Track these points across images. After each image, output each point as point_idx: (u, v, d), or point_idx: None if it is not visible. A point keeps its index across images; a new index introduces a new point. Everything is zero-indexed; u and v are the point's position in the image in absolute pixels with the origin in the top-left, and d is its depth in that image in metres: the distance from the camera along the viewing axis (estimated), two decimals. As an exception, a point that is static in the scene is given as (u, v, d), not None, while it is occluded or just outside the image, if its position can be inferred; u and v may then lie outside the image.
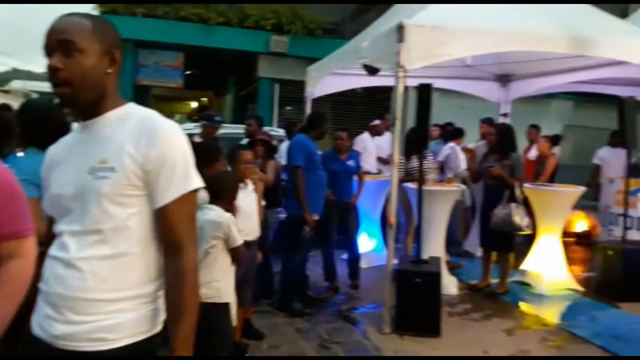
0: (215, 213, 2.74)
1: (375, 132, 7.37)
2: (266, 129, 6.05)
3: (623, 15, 7.33)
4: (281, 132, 6.80)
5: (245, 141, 4.98)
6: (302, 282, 4.74)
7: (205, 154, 2.96)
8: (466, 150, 6.71)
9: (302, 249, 4.55)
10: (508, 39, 4.23)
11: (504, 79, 7.51)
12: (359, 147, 7.14)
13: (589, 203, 6.97)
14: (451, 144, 6.60)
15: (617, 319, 4.49)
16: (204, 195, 2.67)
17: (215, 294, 2.68)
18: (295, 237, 4.44)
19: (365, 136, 7.39)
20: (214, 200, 2.79)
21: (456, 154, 6.40)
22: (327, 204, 4.68)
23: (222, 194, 2.82)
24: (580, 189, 5.36)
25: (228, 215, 2.77)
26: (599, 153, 7.31)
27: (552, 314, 4.64)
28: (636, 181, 5.58)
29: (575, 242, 7.21)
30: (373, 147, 7.30)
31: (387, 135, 7.08)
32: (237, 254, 2.80)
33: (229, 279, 2.80)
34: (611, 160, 6.80)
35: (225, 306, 2.75)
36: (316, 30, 9.83)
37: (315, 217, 4.44)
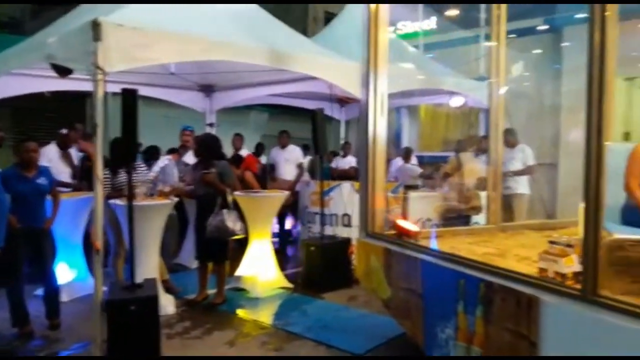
0: None
1: (64, 143, 6.25)
2: None
3: (304, 32, 8.30)
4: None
5: None
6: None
7: None
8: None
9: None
10: (215, 48, 4.19)
11: (208, 89, 7.59)
12: (44, 160, 5.96)
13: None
14: (168, 157, 6.30)
15: (323, 310, 4.94)
16: None
17: None
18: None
19: (52, 147, 6.24)
20: None
21: (171, 168, 6.10)
22: (11, 233, 3.78)
23: None
24: (285, 193, 5.76)
25: None
26: (271, 153, 7.80)
27: (268, 316, 4.82)
28: (328, 182, 6.31)
29: (280, 242, 7.77)
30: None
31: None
32: None
33: None
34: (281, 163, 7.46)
35: None
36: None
37: (-6, 250, 3.53)
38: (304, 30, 10.35)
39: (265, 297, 5.32)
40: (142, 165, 5.36)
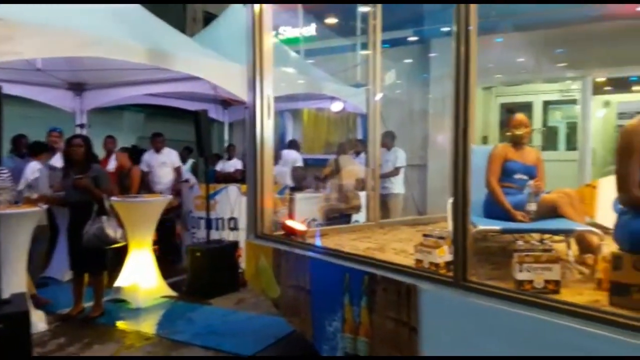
0: None
1: None
2: None
3: (182, 31, 8.08)
4: None
5: None
6: None
7: None
8: None
9: None
10: (91, 44, 3.95)
11: (78, 88, 7.09)
12: None
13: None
14: (34, 162, 5.64)
15: (211, 316, 4.87)
16: None
17: None
18: None
19: None
20: None
21: (44, 173, 5.54)
22: None
23: None
24: (167, 197, 5.58)
25: None
26: (144, 157, 7.23)
27: (151, 326, 4.63)
28: (213, 186, 6.21)
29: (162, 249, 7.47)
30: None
31: None
32: None
33: None
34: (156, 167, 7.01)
35: None
36: None
37: None
38: (183, 30, 10.06)
39: (148, 307, 5.10)
40: (4, 170, 4.86)
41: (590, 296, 2.36)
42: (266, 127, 3.94)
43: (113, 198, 4.97)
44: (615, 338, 1.85)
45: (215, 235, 6.03)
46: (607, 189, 3.87)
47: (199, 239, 6.22)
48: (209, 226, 5.84)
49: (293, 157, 7.94)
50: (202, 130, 5.44)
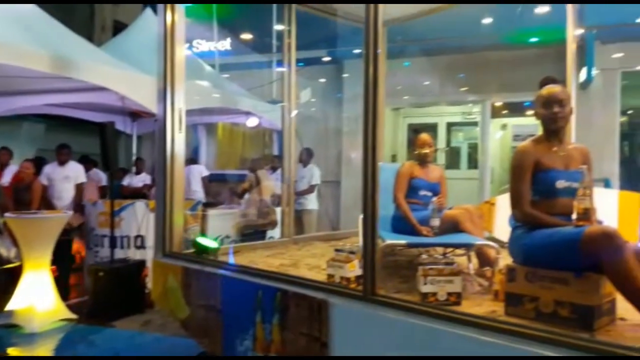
0: None
1: None
2: None
3: (89, 40, 7.72)
4: None
5: None
6: None
7: None
8: None
9: None
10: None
11: (-32, 95, 6.50)
12: None
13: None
14: None
15: (114, 338, 4.60)
16: None
17: None
18: None
19: None
20: None
21: None
22: None
23: None
24: (68, 214, 5.23)
25: None
26: (45, 170, 6.63)
27: (48, 352, 4.29)
28: (119, 202, 5.91)
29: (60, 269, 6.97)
30: None
31: None
32: None
33: None
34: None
35: None
36: None
37: None
38: (90, 39, 9.60)
39: (44, 332, 4.72)
40: None
41: (488, 307, 2.51)
42: (177, 141, 3.84)
43: (7, 214, 4.58)
44: (508, 346, 1.98)
45: (120, 254, 5.72)
46: (504, 206, 4.16)
47: (102, 258, 5.87)
48: (113, 244, 5.53)
49: (202, 172, 7.92)
50: (108, 143, 5.18)
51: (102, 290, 5.17)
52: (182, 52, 3.92)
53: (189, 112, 4.07)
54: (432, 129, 9.73)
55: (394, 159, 9.46)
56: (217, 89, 6.98)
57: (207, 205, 6.64)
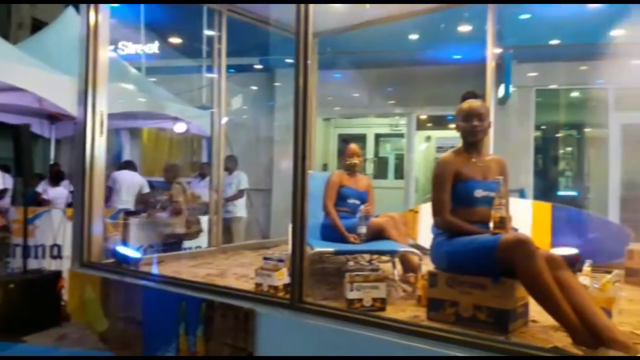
0: None
1: None
2: None
3: (5, 37, 7.21)
4: None
5: None
6: None
7: None
8: None
9: None
10: None
11: None
12: None
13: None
14: None
15: (26, 355, 4.28)
16: None
17: None
18: None
19: None
20: None
21: None
22: None
23: None
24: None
25: None
26: None
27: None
28: (33, 209, 5.55)
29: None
30: None
31: None
32: None
33: None
34: None
35: None
36: None
37: None
38: (6, 36, 8.99)
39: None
40: None
41: (411, 312, 2.59)
42: (97, 145, 3.66)
43: None
44: (430, 350, 2.04)
45: (34, 264, 5.35)
46: (427, 214, 4.30)
47: (14, 269, 5.48)
48: (26, 254, 5.17)
49: (136, 180, 7.13)
50: (23, 147, 4.84)
51: (13, 303, 4.80)
52: (105, 53, 3.76)
53: (112, 116, 3.90)
54: (361, 139, 9.95)
55: (325, 167, 9.56)
56: (143, 92, 6.74)
57: (130, 213, 6.36)
